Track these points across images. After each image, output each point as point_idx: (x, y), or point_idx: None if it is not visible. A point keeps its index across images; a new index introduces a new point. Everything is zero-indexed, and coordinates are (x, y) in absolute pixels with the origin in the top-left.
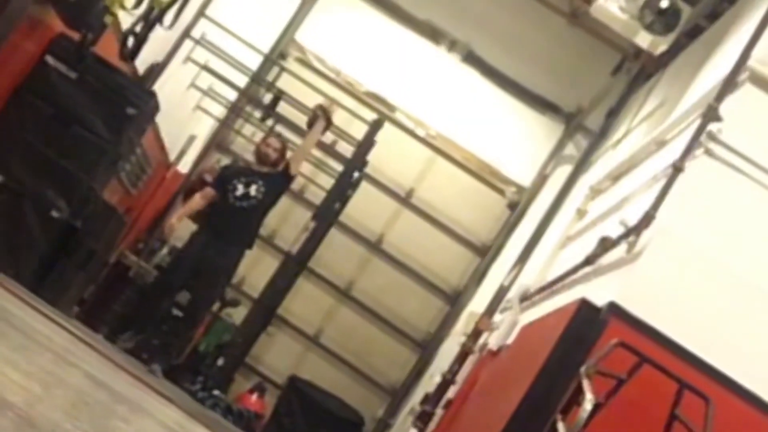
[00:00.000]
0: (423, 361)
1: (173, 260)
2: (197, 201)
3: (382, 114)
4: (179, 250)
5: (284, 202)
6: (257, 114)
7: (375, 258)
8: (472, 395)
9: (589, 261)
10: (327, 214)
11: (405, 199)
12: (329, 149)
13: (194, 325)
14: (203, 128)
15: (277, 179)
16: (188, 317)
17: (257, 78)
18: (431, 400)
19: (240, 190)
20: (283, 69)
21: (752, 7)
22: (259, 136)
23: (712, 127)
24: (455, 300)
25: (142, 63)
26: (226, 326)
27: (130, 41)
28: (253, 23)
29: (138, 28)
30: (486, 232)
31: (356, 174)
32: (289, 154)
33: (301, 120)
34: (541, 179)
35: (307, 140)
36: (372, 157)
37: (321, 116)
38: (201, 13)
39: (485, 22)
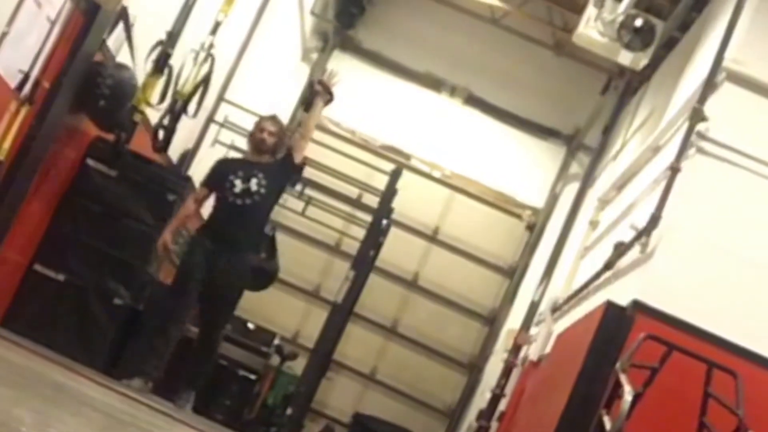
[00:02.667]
0: (472, 381)
1: (178, 278)
2: (189, 206)
3: (400, 163)
4: (180, 263)
5: (323, 256)
6: None
7: (414, 294)
8: (521, 404)
9: (608, 266)
10: (364, 262)
11: (432, 237)
12: (356, 203)
13: (213, 352)
14: None
15: (279, 169)
16: (205, 343)
17: None
18: (485, 415)
19: (238, 186)
20: None
21: (719, 13)
22: (291, 203)
23: (700, 127)
24: (492, 321)
25: (174, 152)
26: (289, 378)
27: (161, 134)
28: (269, 99)
29: (166, 121)
30: (510, 255)
31: (384, 221)
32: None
33: (329, 181)
34: (553, 199)
35: (309, 121)
36: (396, 203)
37: (321, 91)
38: (221, 98)
39: (479, 65)
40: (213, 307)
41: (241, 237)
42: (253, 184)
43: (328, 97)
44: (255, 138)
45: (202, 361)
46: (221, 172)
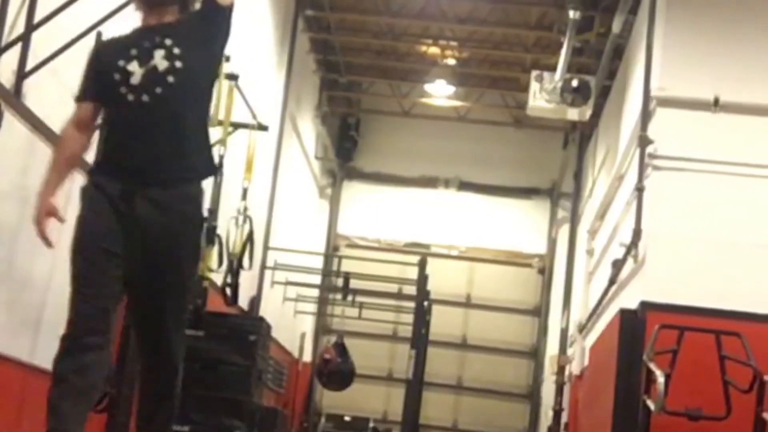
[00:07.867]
0: (535, 406)
1: (77, 270)
2: (69, 137)
3: (423, 253)
4: (75, 231)
5: (386, 345)
6: (339, 296)
7: (466, 353)
8: (579, 412)
9: (612, 282)
10: (420, 340)
11: (467, 303)
12: (399, 295)
13: (176, 360)
14: (307, 324)
15: (199, 26)
16: (161, 346)
17: (326, 272)
18: (553, 429)
19: (137, 72)
20: (340, 257)
21: (635, 54)
22: (348, 312)
23: (649, 149)
24: (535, 354)
25: (243, 301)
26: None
27: (228, 291)
28: (304, 235)
29: (228, 279)
30: (532, 298)
31: (425, 303)
32: None
33: (373, 285)
34: (552, 243)
35: None
36: (430, 286)
37: None
38: (266, 247)
39: (461, 156)
40: (150, 297)
41: (164, 155)
42: (159, 58)
43: None
44: None
45: (161, 382)
46: (103, 62)
